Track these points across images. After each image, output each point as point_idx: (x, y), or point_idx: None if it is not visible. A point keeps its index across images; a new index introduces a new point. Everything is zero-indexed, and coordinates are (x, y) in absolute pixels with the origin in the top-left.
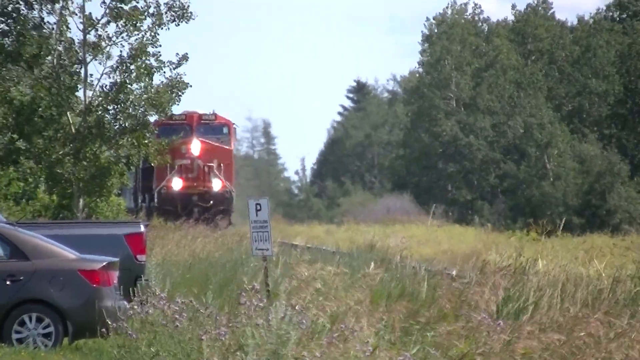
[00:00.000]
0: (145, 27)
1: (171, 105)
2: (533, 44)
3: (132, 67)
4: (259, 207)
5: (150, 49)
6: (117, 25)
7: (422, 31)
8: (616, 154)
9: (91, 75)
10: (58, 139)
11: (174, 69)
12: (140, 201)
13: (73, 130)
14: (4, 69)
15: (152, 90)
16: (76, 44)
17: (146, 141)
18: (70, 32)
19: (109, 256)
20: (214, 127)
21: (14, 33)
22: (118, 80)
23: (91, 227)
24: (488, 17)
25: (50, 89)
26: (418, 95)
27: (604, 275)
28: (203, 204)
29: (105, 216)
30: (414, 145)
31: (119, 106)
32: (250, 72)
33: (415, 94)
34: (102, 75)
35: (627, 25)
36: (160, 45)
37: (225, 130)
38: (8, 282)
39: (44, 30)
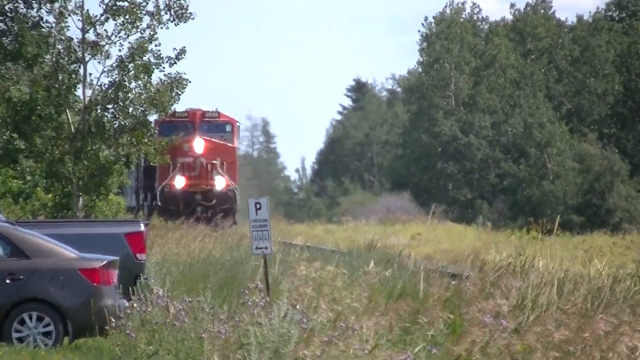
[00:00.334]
0: (144, 25)
1: (171, 105)
2: (532, 43)
3: (131, 65)
4: (258, 206)
5: (149, 47)
6: (115, 24)
7: (419, 30)
8: (616, 153)
9: (90, 74)
10: (58, 138)
11: (172, 64)
12: (142, 200)
13: (72, 129)
14: (3, 67)
15: (152, 89)
16: (75, 43)
17: (146, 140)
18: (69, 30)
19: (109, 255)
20: (217, 125)
21: (13, 32)
22: (117, 79)
23: (91, 226)
24: (487, 16)
25: (49, 88)
26: (417, 94)
27: (604, 274)
28: (206, 203)
29: (104, 215)
30: (413, 145)
31: (118, 105)
32: (250, 71)
33: (414, 94)
34: (101, 74)
35: (626, 25)
36: (160, 44)
37: (228, 128)
38: (8, 281)
39: (43, 29)
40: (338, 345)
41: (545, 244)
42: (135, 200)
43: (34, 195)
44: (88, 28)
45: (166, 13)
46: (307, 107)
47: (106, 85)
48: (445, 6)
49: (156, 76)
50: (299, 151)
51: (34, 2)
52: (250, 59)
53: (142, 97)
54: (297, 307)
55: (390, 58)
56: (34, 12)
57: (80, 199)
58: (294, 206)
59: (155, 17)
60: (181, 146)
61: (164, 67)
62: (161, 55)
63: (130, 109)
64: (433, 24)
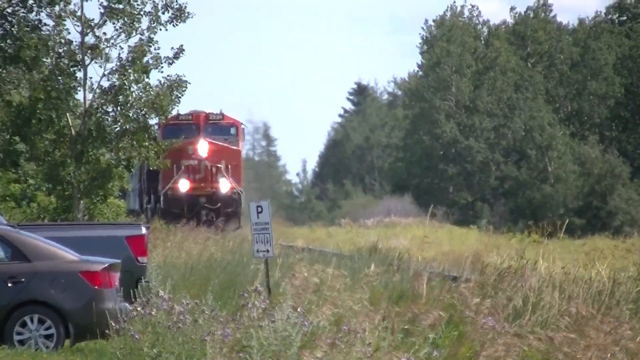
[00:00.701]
0: (143, 26)
1: (172, 108)
2: (532, 46)
3: (131, 70)
4: (260, 210)
5: (148, 49)
6: (114, 27)
7: (420, 34)
8: (617, 156)
9: (90, 77)
10: (59, 142)
11: (171, 63)
12: (146, 203)
13: (73, 133)
14: (3, 71)
15: (152, 92)
16: (74, 46)
17: (146, 144)
18: (69, 33)
19: (111, 258)
20: (221, 127)
21: (13, 35)
22: (116, 83)
23: (92, 229)
24: (488, 19)
25: (50, 91)
26: (418, 97)
27: (605, 277)
28: (210, 206)
29: (105, 218)
30: (414, 147)
31: (118, 108)
32: (250, 73)
33: (415, 96)
34: (101, 77)
35: (628, 28)
36: (159, 48)
37: (233, 130)
38: (9, 284)
39: (43, 33)
40: (340, 348)
41: (546, 247)
42: (139, 203)
43: (35, 199)
44: (87, 31)
45: (164, 14)
46: (307, 110)
47: (106, 88)
48: (446, 10)
49: (155, 78)
50: (300, 154)
51: (33, 5)
52: (250, 60)
53: (142, 100)
54: (299, 309)
55: (391, 58)
56: (33, 16)
57: (81, 202)
58: (295, 209)
59: (154, 18)
60: (185, 149)
61: (162, 68)
62: (159, 55)
63: (131, 113)
64: (433, 27)
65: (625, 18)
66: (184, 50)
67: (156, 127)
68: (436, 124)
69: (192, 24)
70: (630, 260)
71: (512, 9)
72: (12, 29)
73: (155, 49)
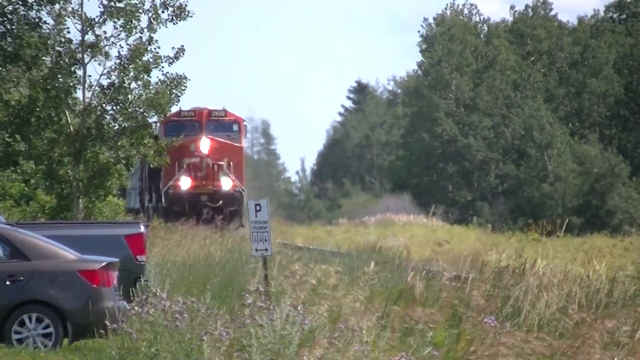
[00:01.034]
0: (143, 24)
1: (170, 106)
2: (532, 44)
3: (131, 67)
4: (258, 208)
5: (148, 47)
6: (114, 26)
7: (418, 31)
8: (616, 155)
9: (90, 76)
10: (58, 140)
11: (172, 63)
12: (147, 201)
13: (72, 131)
14: (3, 69)
15: (152, 90)
16: (74, 44)
17: (145, 141)
18: (69, 32)
19: (109, 257)
20: (224, 124)
21: (13, 34)
22: (116, 81)
23: (91, 227)
24: (488, 17)
25: (49, 90)
26: (417, 95)
27: (603, 276)
28: (212, 204)
29: (104, 217)
30: (413, 146)
31: (117, 106)
32: (250, 72)
33: (414, 95)
34: (100, 75)
35: (629, 27)
36: (159, 47)
37: (235, 127)
38: (8, 283)
39: (43, 31)
40: (339, 347)
41: (545, 246)
42: (140, 202)
43: (35, 198)
44: (87, 30)
45: (163, 12)
46: (307, 108)
47: (105, 86)
48: (445, 8)
49: (155, 76)
50: (299, 153)
51: (33, 3)
52: (250, 59)
53: (142, 98)
54: (299, 308)
55: (391, 58)
56: (33, 14)
57: (80, 200)
58: (294, 208)
59: (153, 17)
60: (187, 146)
61: (162, 67)
62: (160, 55)
63: (130, 110)
64: (433, 25)
65: (624, 16)
66: (184, 50)
67: (158, 124)
68: (436, 122)
69: (192, 22)
70: (629, 258)
71: (511, 7)
72: (12, 28)
73: (155, 48)
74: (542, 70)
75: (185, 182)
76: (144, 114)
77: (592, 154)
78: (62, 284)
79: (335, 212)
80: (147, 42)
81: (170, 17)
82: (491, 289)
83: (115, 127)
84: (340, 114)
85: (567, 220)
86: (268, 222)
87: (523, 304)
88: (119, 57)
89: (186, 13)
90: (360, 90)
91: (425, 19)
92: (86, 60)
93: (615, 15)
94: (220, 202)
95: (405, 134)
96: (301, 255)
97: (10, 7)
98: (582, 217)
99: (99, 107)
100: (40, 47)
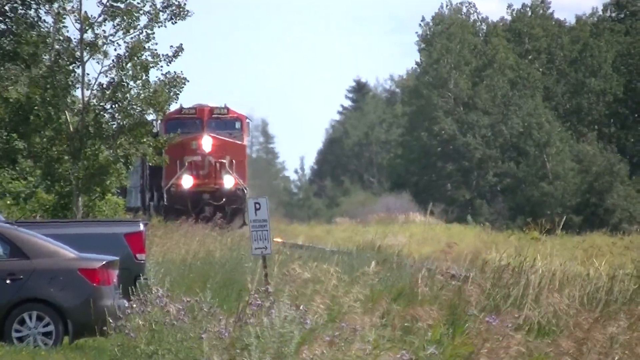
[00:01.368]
0: (141, 24)
1: (169, 105)
2: (530, 43)
3: (129, 65)
4: (258, 206)
5: (146, 45)
6: (113, 25)
7: (416, 32)
8: (615, 153)
9: (88, 74)
10: (57, 138)
11: (170, 62)
12: (148, 200)
13: (71, 130)
14: (1, 68)
15: (150, 88)
16: (73, 43)
17: (144, 140)
18: (67, 31)
19: (109, 255)
20: (226, 122)
21: (12, 32)
22: (115, 79)
23: (91, 226)
24: (487, 16)
25: (47, 88)
26: (416, 94)
27: (603, 274)
28: (214, 203)
29: (104, 215)
30: (412, 145)
31: (116, 105)
32: (249, 71)
33: (413, 94)
34: (99, 74)
35: (627, 25)
36: (157, 44)
37: (237, 124)
38: (8, 281)
39: (42, 30)
40: (340, 345)
41: (544, 244)
42: (141, 200)
43: (34, 196)
44: (86, 29)
45: (163, 12)
46: (306, 107)
47: (104, 85)
48: (441, 7)
49: (154, 75)
50: (298, 151)
51: (32, 2)
52: (249, 59)
53: (141, 96)
54: (301, 307)
55: (390, 58)
56: (32, 13)
57: (80, 199)
58: (293, 206)
59: (153, 17)
60: (189, 144)
61: (161, 66)
62: (158, 54)
63: (128, 109)
64: (431, 24)
65: (623, 15)
66: (183, 49)
67: (158, 122)
68: (434, 121)
69: (192, 22)
70: (629, 257)
71: (509, 6)
72: (11, 26)
73: (152, 45)
74: (540, 69)
75: (187, 181)
76: (142, 112)
77: (591, 152)
78: (62, 282)
79: (334, 210)
80: (144, 40)
81: (170, 16)
82: (491, 288)
83: (114, 126)
84: (339, 112)
85: (565, 217)
86: (268, 220)
87: (523, 303)
88: (118, 55)
89: (185, 12)
90: (359, 89)
91: (423, 18)
92: (85, 59)
93: (613, 14)
94: (223, 200)
95: (404, 133)
96: (301, 254)
97: (8, 6)
98: (581, 215)
99: (98, 106)
100: (39, 46)
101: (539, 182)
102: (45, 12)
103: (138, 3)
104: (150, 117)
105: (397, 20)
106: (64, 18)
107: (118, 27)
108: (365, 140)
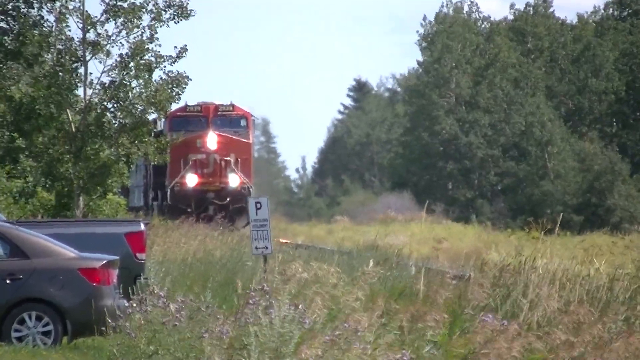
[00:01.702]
0: (144, 24)
1: (170, 104)
2: (533, 42)
3: (132, 64)
4: (259, 206)
5: (149, 46)
6: (115, 24)
7: (417, 31)
8: (617, 153)
9: (91, 73)
10: (59, 138)
11: (174, 62)
12: (151, 199)
13: (73, 129)
14: (4, 67)
15: (152, 88)
16: (76, 42)
17: (146, 139)
18: (70, 30)
19: (109, 255)
20: (231, 119)
21: (14, 31)
22: (117, 78)
23: (91, 225)
24: (489, 15)
25: (50, 87)
26: (417, 94)
27: (603, 273)
28: (219, 202)
29: (104, 215)
30: (413, 144)
31: (118, 104)
32: (250, 71)
33: (414, 93)
34: (102, 73)
35: (630, 24)
36: (160, 45)
37: (243, 122)
38: (8, 281)
39: (44, 29)
40: (340, 345)
41: (545, 244)
42: (144, 199)
43: (35, 195)
44: (89, 28)
45: (166, 12)
46: (307, 107)
47: (107, 84)
48: (442, 5)
49: (157, 75)
50: (299, 150)
51: (34, 1)
52: (250, 58)
53: (143, 96)
54: (300, 307)
55: (391, 58)
56: (34, 12)
57: (81, 198)
58: (294, 205)
59: (156, 17)
60: (193, 142)
61: (164, 66)
62: (161, 54)
63: (130, 108)
64: (433, 23)
65: (625, 14)
66: (187, 50)
67: (163, 120)
68: (435, 121)
69: (193, 22)
70: (629, 257)
71: (511, 6)
72: (14, 25)
73: (155, 45)
74: (542, 68)
75: (191, 179)
76: (143, 110)
77: (592, 151)
78: (61, 282)
79: (334, 209)
80: (147, 40)
81: (172, 16)
82: (491, 288)
83: (116, 125)
84: (340, 112)
85: (562, 216)
86: (268, 220)
87: (523, 302)
88: (120, 55)
89: (187, 12)
90: (360, 89)
91: (425, 17)
92: (87, 58)
93: (616, 13)
94: (228, 199)
95: (404, 133)
96: (301, 253)
97: (11, 5)
98: (582, 215)
99: (100, 105)
100: (42, 45)
101: (539, 181)
102: (47, 12)
103: (141, 2)
104: (152, 116)
105: (397, 20)
106: (67, 17)
107: (122, 26)
108: (366, 139)
